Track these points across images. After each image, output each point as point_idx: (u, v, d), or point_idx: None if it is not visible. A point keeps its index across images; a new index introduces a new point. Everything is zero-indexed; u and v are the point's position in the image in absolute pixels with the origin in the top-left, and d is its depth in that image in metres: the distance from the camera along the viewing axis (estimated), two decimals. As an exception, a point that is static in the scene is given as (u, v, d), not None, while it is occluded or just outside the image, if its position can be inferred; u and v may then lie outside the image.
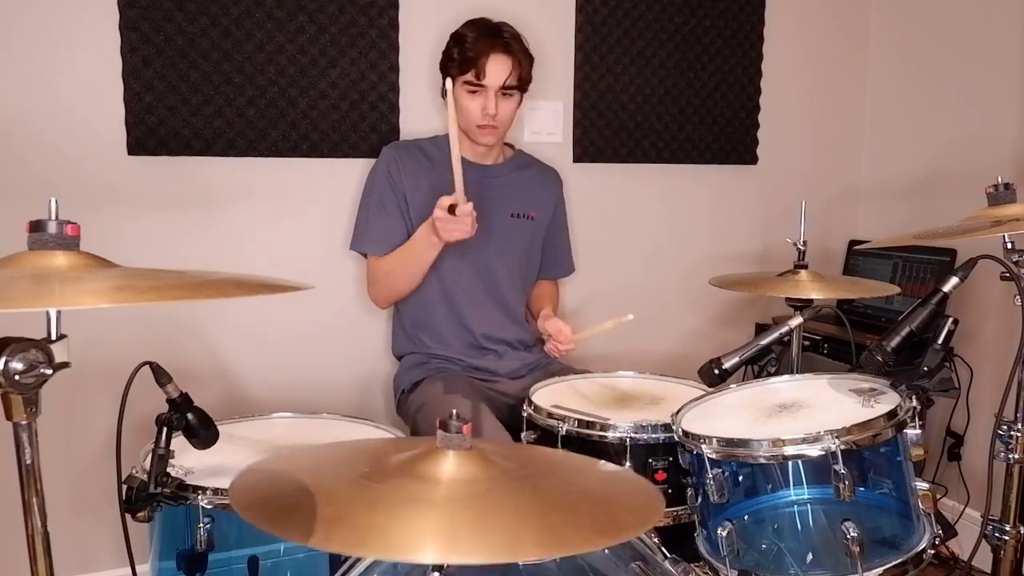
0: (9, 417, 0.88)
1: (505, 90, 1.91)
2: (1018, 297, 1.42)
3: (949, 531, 1.40)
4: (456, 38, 1.94)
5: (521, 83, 1.94)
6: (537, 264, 2.19)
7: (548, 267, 2.23)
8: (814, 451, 1.30)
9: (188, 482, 1.28)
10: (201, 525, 1.27)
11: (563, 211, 2.25)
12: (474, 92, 1.91)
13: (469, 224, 1.78)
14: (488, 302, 2.05)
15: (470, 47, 1.88)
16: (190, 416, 1.24)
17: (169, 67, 1.91)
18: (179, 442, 1.26)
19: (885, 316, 2.48)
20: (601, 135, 2.41)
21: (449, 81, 1.81)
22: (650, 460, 1.57)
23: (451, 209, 1.76)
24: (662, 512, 0.91)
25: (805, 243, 1.95)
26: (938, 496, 1.43)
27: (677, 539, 1.46)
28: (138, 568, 1.32)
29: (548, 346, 2.04)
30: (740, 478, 1.39)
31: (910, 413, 1.39)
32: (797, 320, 1.77)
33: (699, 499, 1.44)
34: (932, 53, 2.56)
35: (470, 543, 0.77)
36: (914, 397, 1.41)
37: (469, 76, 1.89)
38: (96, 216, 1.86)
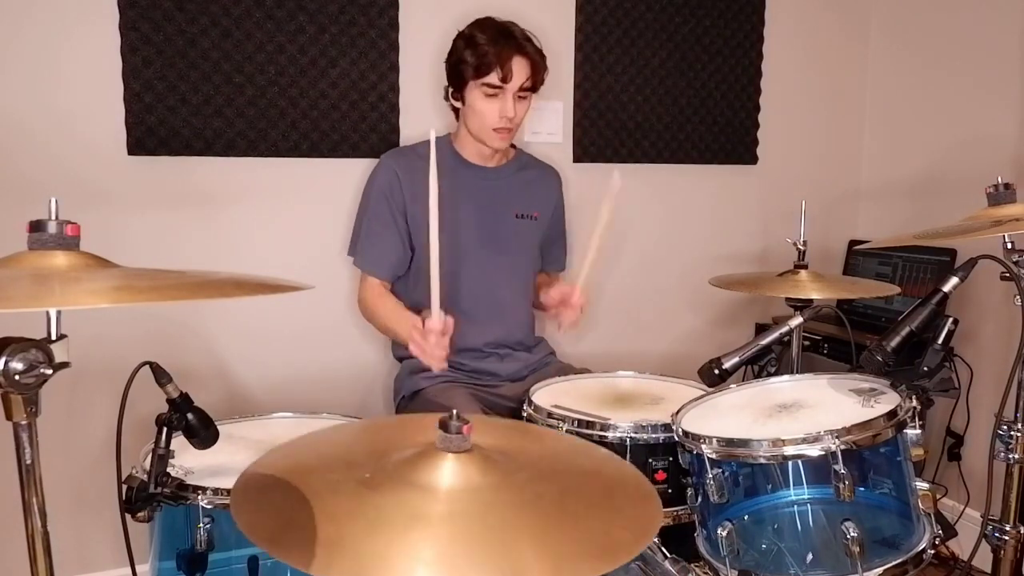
0: (9, 417, 0.88)
1: (521, 92, 1.89)
2: (1018, 297, 1.42)
3: (949, 531, 1.39)
4: (467, 40, 1.88)
5: (536, 84, 1.93)
6: (539, 264, 2.19)
7: (548, 263, 2.23)
8: (814, 451, 1.30)
9: (188, 482, 1.28)
10: (201, 525, 1.27)
11: (563, 209, 2.24)
12: (492, 95, 1.87)
13: (437, 359, 1.64)
14: (490, 306, 2.03)
15: (489, 49, 1.84)
16: (190, 416, 1.24)
17: (169, 67, 1.91)
18: (179, 442, 1.26)
19: (885, 316, 2.48)
20: (601, 135, 2.41)
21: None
22: (650, 460, 1.56)
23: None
24: (660, 521, 0.92)
25: (805, 243, 1.95)
26: (938, 496, 1.43)
27: (677, 539, 1.46)
28: (138, 568, 1.32)
29: (562, 318, 1.99)
30: (740, 478, 1.39)
31: (910, 413, 1.38)
32: (797, 320, 1.77)
33: (699, 499, 1.44)
34: (932, 53, 2.56)
35: (471, 574, 0.78)
36: (914, 397, 1.40)
37: (490, 79, 1.85)
38: (96, 216, 1.86)
